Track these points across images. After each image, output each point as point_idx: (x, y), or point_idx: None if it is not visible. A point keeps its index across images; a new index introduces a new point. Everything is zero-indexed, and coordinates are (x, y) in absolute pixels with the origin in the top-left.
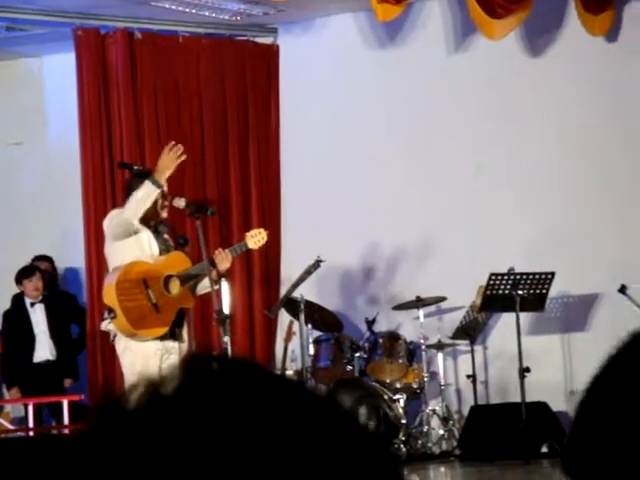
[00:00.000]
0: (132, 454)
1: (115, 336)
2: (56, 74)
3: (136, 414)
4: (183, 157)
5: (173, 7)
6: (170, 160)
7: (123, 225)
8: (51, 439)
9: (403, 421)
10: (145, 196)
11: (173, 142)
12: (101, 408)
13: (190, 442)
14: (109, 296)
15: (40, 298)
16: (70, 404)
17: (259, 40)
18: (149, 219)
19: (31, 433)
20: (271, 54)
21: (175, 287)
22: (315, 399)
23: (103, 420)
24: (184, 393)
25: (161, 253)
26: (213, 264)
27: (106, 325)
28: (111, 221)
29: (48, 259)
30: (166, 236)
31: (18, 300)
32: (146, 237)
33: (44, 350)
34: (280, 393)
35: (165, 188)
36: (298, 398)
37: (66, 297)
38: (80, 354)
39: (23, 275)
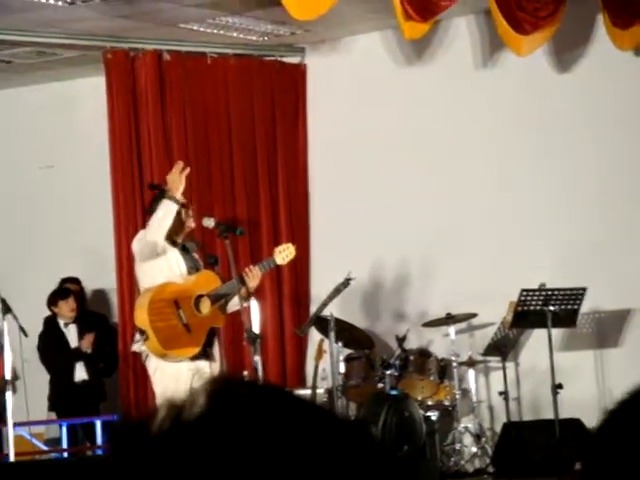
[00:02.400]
0: (151, 479)
1: (147, 356)
2: (87, 97)
3: (157, 439)
4: (187, 170)
5: (201, 29)
6: (175, 176)
7: (148, 246)
8: (82, 461)
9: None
10: (165, 214)
11: (179, 162)
12: (124, 431)
13: (210, 469)
14: (141, 318)
15: (74, 319)
16: (103, 424)
17: (287, 60)
18: (177, 234)
19: (65, 454)
20: (299, 74)
21: (206, 307)
22: (340, 426)
23: (124, 444)
24: (206, 420)
25: (190, 272)
26: (243, 282)
27: (138, 347)
28: (138, 243)
29: (76, 281)
30: (195, 255)
31: (51, 322)
32: (174, 256)
33: (81, 370)
34: (304, 421)
35: (184, 200)
36: (322, 426)
37: (97, 317)
38: (112, 374)
39: (59, 297)
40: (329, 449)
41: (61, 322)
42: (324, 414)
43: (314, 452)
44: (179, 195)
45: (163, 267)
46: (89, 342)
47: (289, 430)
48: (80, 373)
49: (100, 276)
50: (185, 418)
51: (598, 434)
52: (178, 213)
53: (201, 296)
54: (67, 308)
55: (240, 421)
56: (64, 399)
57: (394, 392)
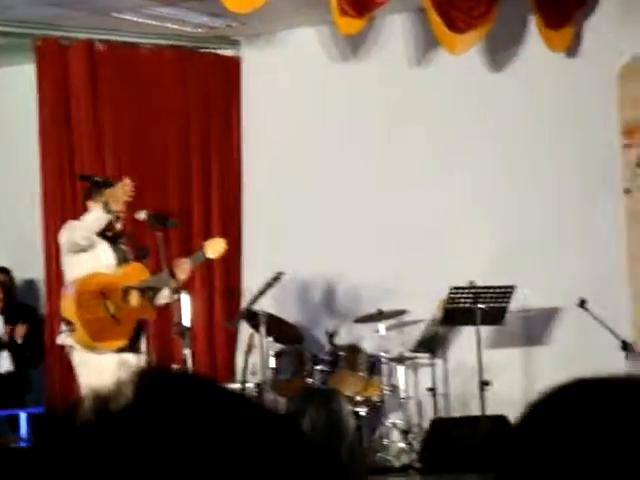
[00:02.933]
0: (76, 470)
1: (71, 348)
2: (17, 85)
3: (82, 430)
4: (131, 194)
5: (135, 19)
6: (122, 192)
7: (73, 244)
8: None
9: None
10: (96, 220)
11: (127, 180)
12: (48, 422)
13: (135, 460)
14: (67, 309)
15: (0, 309)
16: (28, 416)
17: (222, 52)
18: (105, 230)
19: None
20: (233, 66)
21: (134, 298)
22: (269, 418)
23: (48, 435)
24: (132, 411)
25: (119, 264)
26: (173, 274)
27: (64, 338)
28: (66, 234)
29: (5, 270)
30: (124, 247)
31: None
32: (102, 249)
33: (7, 360)
34: (232, 412)
35: (119, 212)
36: (250, 418)
37: (25, 308)
38: (38, 365)
39: None
40: (257, 441)
41: None
42: (252, 406)
43: (241, 444)
44: (116, 208)
45: (90, 259)
46: (22, 332)
47: (216, 422)
48: (5, 363)
49: (31, 266)
50: (111, 409)
51: (516, 429)
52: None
53: (129, 288)
54: None
55: (167, 412)
56: None
57: (322, 387)
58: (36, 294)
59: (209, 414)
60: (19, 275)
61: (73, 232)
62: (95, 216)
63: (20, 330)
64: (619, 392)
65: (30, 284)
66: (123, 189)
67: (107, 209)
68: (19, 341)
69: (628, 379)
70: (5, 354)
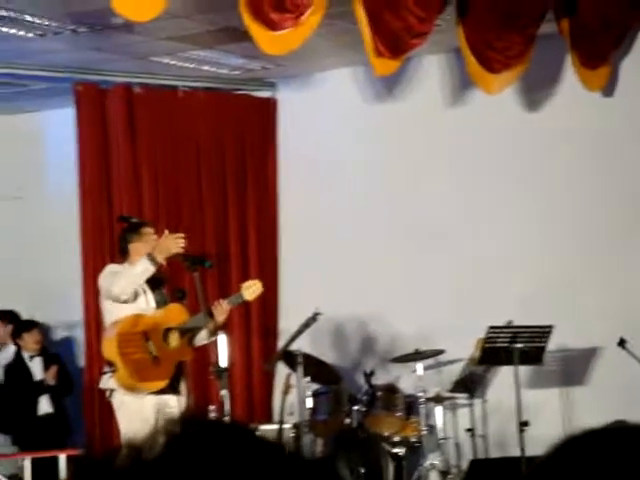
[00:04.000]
0: None
1: (111, 393)
2: (56, 129)
3: (117, 477)
4: (183, 246)
5: (172, 62)
6: (173, 244)
7: (115, 297)
8: None
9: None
10: (141, 274)
11: (181, 234)
12: (86, 468)
13: None
14: (109, 350)
15: (39, 352)
16: (68, 459)
17: (258, 94)
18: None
19: None
20: (269, 108)
21: (174, 339)
22: (305, 467)
23: (87, 478)
24: (164, 460)
25: (158, 306)
26: (211, 315)
27: (106, 381)
28: (104, 280)
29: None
30: (162, 290)
31: (16, 355)
32: (141, 291)
33: (46, 403)
34: (266, 463)
35: (163, 262)
36: (285, 467)
37: (53, 356)
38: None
39: (24, 328)
40: None
41: (25, 355)
42: (287, 455)
43: None
44: (161, 259)
45: (131, 305)
46: (53, 374)
47: (249, 472)
48: (45, 406)
49: (64, 310)
50: (145, 458)
51: (538, 468)
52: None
53: (170, 329)
54: (32, 340)
55: (198, 462)
56: (28, 433)
57: (359, 430)
58: (70, 339)
59: (241, 465)
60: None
61: (116, 285)
62: (141, 270)
63: (51, 372)
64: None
65: (69, 328)
66: (175, 241)
67: (152, 259)
68: (52, 383)
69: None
70: (45, 397)
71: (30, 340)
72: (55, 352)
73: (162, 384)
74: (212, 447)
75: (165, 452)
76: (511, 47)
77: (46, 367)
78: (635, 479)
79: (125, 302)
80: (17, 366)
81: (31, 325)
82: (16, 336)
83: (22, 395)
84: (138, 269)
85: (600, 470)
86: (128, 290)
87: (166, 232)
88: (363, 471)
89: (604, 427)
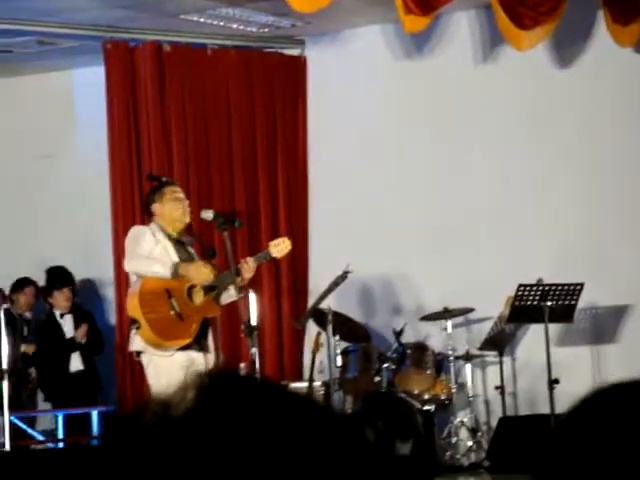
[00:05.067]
0: (136, 471)
1: (140, 353)
2: (86, 87)
3: (147, 433)
4: (188, 211)
5: (202, 20)
6: (204, 276)
7: (135, 272)
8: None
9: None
10: (155, 272)
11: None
12: (116, 424)
13: (194, 465)
14: (133, 307)
15: (69, 309)
16: (99, 415)
17: (287, 52)
18: (172, 228)
19: (60, 444)
20: (299, 66)
21: (199, 297)
22: (334, 423)
23: (116, 436)
24: (193, 416)
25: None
26: (238, 273)
27: (132, 341)
28: (129, 243)
29: (64, 271)
30: (190, 249)
31: (47, 313)
32: (165, 252)
33: (77, 360)
34: (296, 417)
35: (184, 197)
36: (315, 423)
37: (85, 314)
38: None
39: (53, 287)
40: (322, 446)
41: (57, 313)
42: (318, 410)
43: (305, 449)
44: (173, 229)
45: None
46: (84, 332)
47: (279, 427)
48: (76, 363)
49: (92, 267)
50: (173, 413)
51: (556, 431)
52: (176, 208)
53: (193, 286)
54: (62, 298)
55: (227, 417)
56: (60, 389)
57: (389, 389)
58: (97, 295)
59: (271, 419)
60: (80, 275)
61: (133, 264)
62: (157, 270)
63: (82, 330)
64: None
65: (103, 284)
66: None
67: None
68: (83, 341)
69: None
70: (76, 354)
71: (61, 298)
72: (87, 310)
73: (186, 341)
74: (241, 401)
75: (194, 407)
76: (542, 3)
77: (77, 325)
78: None
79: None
80: (49, 324)
81: (62, 283)
82: (47, 294)
83: (54, 352)
84: (156, 269)
85: (625, 422)
86: (139, 273)
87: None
88: (393, 429)
89: (631, 380)
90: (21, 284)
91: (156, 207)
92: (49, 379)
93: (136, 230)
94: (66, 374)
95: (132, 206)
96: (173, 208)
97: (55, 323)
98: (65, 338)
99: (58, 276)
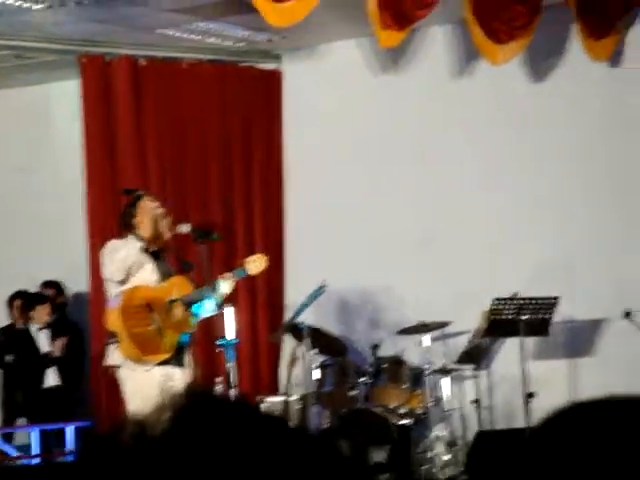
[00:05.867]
0: None
1: (117, 368)
2: (61, 101)
3: (123, 453)
4: (162, 214)
5: (177, 34)
6: (149, 218)
7: (111, 280)
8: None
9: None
10: (125, 257)
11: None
12: (93, 443)
13: None
14: (113, 321)
15: (47, 324)
16: (76, 430)
17: (263, 66)
18: (151, 242)
19: (35, 460)
20: (275, 80)
21: (178, 311)
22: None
23: (93, 456)
24: (168, 438)
25: (163, 278)
26: (216, 288)
27: (110, 355)
28: (104, 258)
29: (55, 285)
30: (167, 262)
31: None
32: (144, 268)
33: (53, 376)
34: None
35: (162, 211)
36: (286, 443)
37: (74, 328)
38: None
39: (37, 301)
40: (295, 468)
41: (33, 327)
42: (289, 431)
43: (278, 471)
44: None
45: (133, 278)
46: (59, 346)
47: (251, 449)
48: (50, 379)
49: (80, 280)
50: (149, 434)
51: (529, 441)
52: (155, 221)
53: (173, 301)
54: (44, 312)
55: (202, 439)
56: (35, 405)
57: (365, 404)
58: (83, 308)
59: (243, 441)
60: (68, 290)
61: (107, 269)
62: (124, 254)
63: (58, 343)
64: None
65: (82, 298)
66: (148, 214)
67: (139, 238)
68: (57, 354)
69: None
70: (52, 369)
71: (42, 312)
72: (74, 323)
73: (166, 356)
74: (216, 423)
75: (169, 429)
76: (516, 17)
77: (54, 340)
78: (618, 451)
79: (122, 283)
80: (23, 338)
81: (44, 298)
82: (29, 308)
83: (27, 367)
84: (122, 253)
85: (592, 439)
86: (117, 275)
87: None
88: (368, 445)
89: (592, 400)
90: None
91: (136, 221)
92: (24, 394)
93: (113, 243)
94: (39, 389)
95: (107, 220)
96: (156, 223)
97: (29, 338)
98: (39, 353)
99: (47, 290)
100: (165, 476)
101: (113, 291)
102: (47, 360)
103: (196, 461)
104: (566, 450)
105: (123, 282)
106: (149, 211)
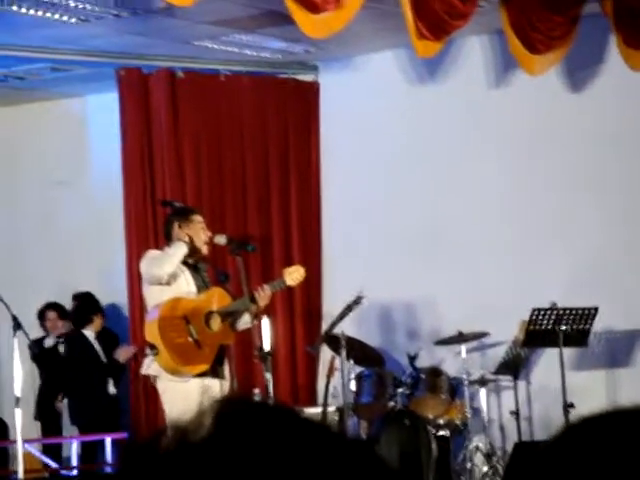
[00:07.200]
0: None
1: (156, 378)
2: (99, 114)
3: (164, 460)
4: (208, 233)
5: (215, 46)
6: (199, 229)
7: (156, 279)
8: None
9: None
10: (174, 255)
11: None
12: (132, 451)
13: None
14: (151, 333)
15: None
16: (114, 442)
17: (300, 77)
18: (189, 255)
19: (74, 471)
20: (312, 91)
21: (216, 323)
22: (347, 448)
23: (132, 463)
24: (210, 442)
25: (199, 290)
26: (254, 300)
27: (147, 366)
28: (147, 267)
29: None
30: (205, 274)
31: (80, 336)
32: (183, 278)
33: (111, 385)
34: (310, 444)
35: (203, 225)
36: (328, 449)
37: (115, 339)
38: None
39: (93, 312)
40: (335, 472)
41: (90, 337)
42: (331, 436)
43: (320, 476)
44: (198, 242)
45: (172, 288)
46: (126, 355)
47: (294, 453)
48: (111, 387)
49: (115, 292)
50: (191, 440)
51: (546, 452)
52: (197, 235)
53: (211, 312)
54: (99, 322)
55: (245, 444)
56: (95, 414)
57: (405, 413)
58: (121, 319)
59: (286, 446)
60: (104, 301)
61: (156, 266)
62: (174, 250)
63: (124, 352)
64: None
65: (117, 309)
66: (193, 228)
67: (188, 244)
68: (122, 362)
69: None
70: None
71: (98, 322)
72: (115, 334)
73: (204, 367)
74: (258, 428)
75: (212, 434)
76: (554, 28)
77: (104, 350)
78: (626, 466)
79: (167, 284)
80: (84, 348)
81: (99, 308)
82: (86, 320)
83: (91, 375)
84: (171, 250)
85: (593, 458)
86: (168, 270)
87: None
88: (408, 453)
89: (599, 413)
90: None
91: (180, 232)
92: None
93: (153, 253)
94: (105, 397)
95: (145, 231)
96: (197, 237)
97: (91, 347)
98: (101, 361)
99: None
100: None
101: (155, 296)
102: (110, 368)
103: (238, 466)
104: (573, 465)
105: (168, 284)
106: (196, 226)
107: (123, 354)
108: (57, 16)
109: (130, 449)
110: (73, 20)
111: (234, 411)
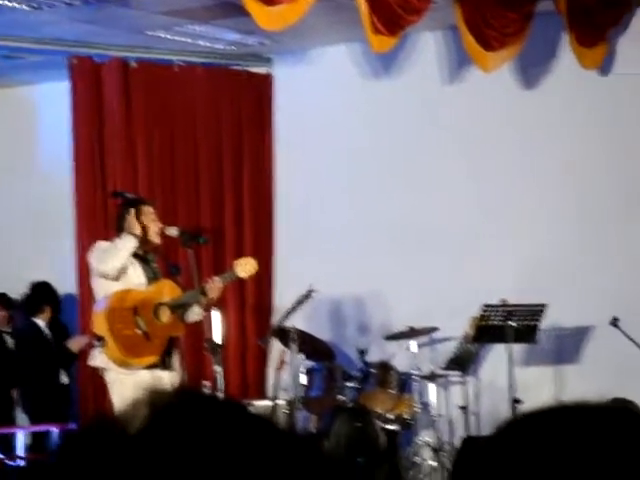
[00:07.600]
0: None
1: (104, 370)
2: (50, 102)
3: (100, 450)
4: (159, 223)
5: (168, 36)
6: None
7: (104, 273)
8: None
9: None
10: (123, 250)
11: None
12: (67, 441)
13: None
14: (99, 324)
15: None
16: (61, 432)
17: (254, 70)
18: (140, 246)
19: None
20: (266, 84)
21: (165, 315)
22: (290, 442)
23: (66, 453)
24: (146, 433)
25: (149, 282)
26: (204, 292)
27: (95, 357)
28: (96, 260)
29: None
30: (155, 265)
31: (34, 326)
32: (132, 269)
33: (63, 374)
34: (252, 436)
35: (154, 216)
36: (271, 442)
37: (65, 329)
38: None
39: (45, 302)
40: (279, 467)
41: (42, 325)
42: (278, 430)
43: (262, 469)
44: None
45: (121, 280)
46: (79, 344)
47: (236, 446)
48: (63, 376)
49: (68, 282)
50: (126, 431)
51: (483, 449)
52: (148, 226)
53: (160, 304)
54: (50, 312)
55: (181, 435)
56: (47, 403)
57: (351, 405)
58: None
59: (226, 439)
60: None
61: (103, 262)
62: (126, 244)
63: (78, 342)
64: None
65: (69, 300)
66: (145, 219)
67: (138, 236)
68: (75, 351)
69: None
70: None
71: (49, 312)
72: (65, 325)
73: (153, 359)
74: (196, 419)
75: (148, 425)
76: (508, 25)
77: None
78: (565, 461)
79: (116, 279)
80: (38, 338)
81: (51, 298)
82: (38, 310)
83: (43, 364)
84: (120, 244)
85: (531, 452)
86: (116, 264)
87: (147, 208)
88: (356, 447)
89: (541, 408)
90: None
91: (134, 222)
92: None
93: (102, 244)
94: (56, 386)
95: (95, 222)
96: (148, 228)
97: (44, 337)
98: (52, 350)
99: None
100: (142, 473)
101: (104, 288)
102: (61, 357)
103: (175, 458)
104: (511, 459)
105: (117, 279)
106: (146, 216)
107: (76, 344)
108: (9, 3)
109: (66, 440)
110: (25, 7)
111: (173, 403)
